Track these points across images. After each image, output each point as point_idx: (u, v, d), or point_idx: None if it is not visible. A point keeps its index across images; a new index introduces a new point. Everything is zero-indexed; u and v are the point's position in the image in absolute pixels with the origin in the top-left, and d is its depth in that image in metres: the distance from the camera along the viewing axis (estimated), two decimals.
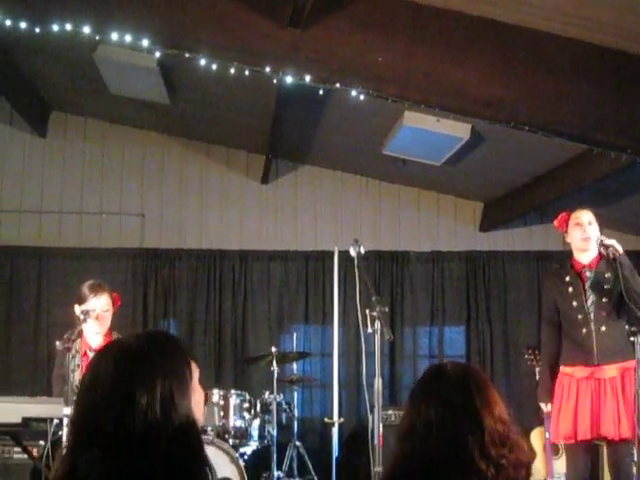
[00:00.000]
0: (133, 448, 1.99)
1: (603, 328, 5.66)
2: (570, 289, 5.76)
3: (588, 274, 5.76)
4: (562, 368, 5.79)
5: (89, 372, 2.15)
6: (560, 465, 6.58)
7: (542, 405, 5.85)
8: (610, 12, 5.44)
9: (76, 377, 5.72)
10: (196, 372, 2.23)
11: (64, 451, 2.16)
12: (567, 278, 5.81)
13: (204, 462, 2.11)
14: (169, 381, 2.08)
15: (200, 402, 2.24)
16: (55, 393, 5.86)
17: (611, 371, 5.63)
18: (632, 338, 5.27)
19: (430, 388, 2.39)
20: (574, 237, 5.81)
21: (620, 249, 5.53)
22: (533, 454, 6.72)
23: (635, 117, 6.11)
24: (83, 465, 2.00)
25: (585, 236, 5.70)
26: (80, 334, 5.81)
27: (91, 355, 5.91)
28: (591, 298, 5.71)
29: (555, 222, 6.00)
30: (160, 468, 1.99)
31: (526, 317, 9.76)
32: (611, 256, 5.53)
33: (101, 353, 2.20)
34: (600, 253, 5.68)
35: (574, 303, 5.72)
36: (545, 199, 8.83)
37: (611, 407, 5.53)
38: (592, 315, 5.67)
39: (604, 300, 5.68)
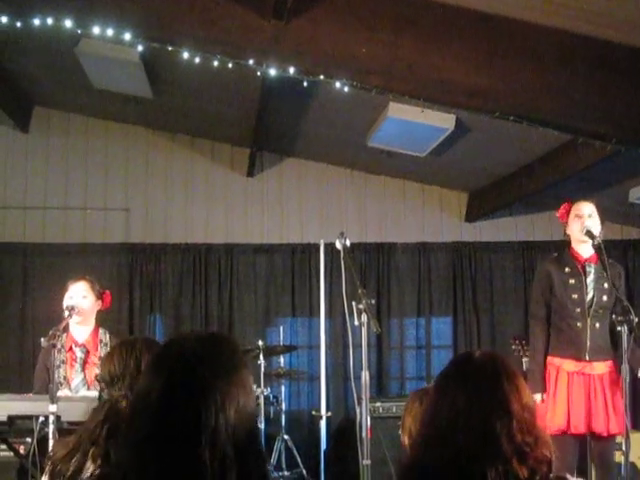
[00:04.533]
0: (227, 467, 1.95)
1: (597, 325, 5.66)
2: (571, 280, 5.73)
3: (588, 269, 5.76)
4: (548, 358, 5.78)
5: (154, 379, 2.06)
6: None
7: (537, 396, 5.74)
8: (595, 1, 5.43)
9: (61, 373, 5.70)
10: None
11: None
12: (567, 269, 5.78)
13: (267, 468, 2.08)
14: (245, 392, 2.05)
15: None
16: (36, 388, 5.83)
17: (600, 368, 5.64)
18: (619, 328, 5.27)
19: (458, 374, 2.40)
20: (573, 229, 5.79)
21: None
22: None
23: (620, 106, 6.11)
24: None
25: (582, 228, 5.69)
26: (65, 329, 5.79)
27: (76, 350, 5.90)
28: (591, 293, 5.70)
29: (557, 212, 5.98)
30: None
31: (512, 307, 9.81)
32: (595, 243, 5.55)
33: (166, 362, 2.11)
34: (594, 249, 5.68)
35: (574, 296, 5.70)
36: (530, 189, 8.83)
37: (601, 403, 5.54)
38: (590, 310, 5.66)
39: (604, 298, 5.69)
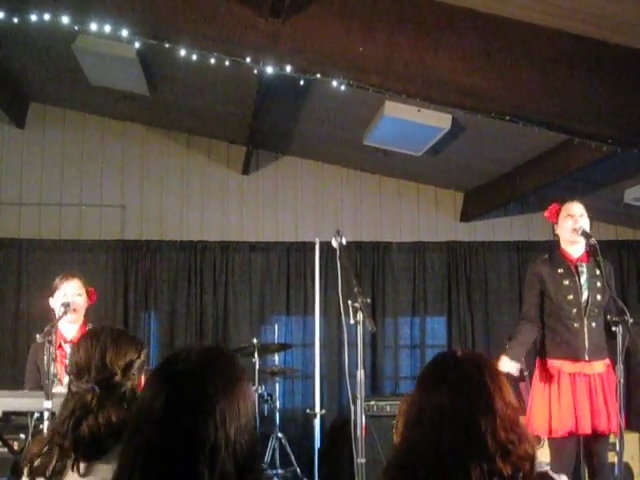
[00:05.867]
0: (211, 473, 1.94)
1: (594, 324, 5.66)
2: (566, 282, 5.72)
3: (581, 269, 5.76)
4: (548, 361, 5.75)
5: (157, 391, 2.06)
6: (541, 455, 6.59)
7: (512, 364, 5.78)
8: (591, 2, 5.45)
9: (51, 370, 5.69)
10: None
11: None
12: (560, 270, 5.78)
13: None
14: (245, 403, 2.05)
15: None
16: (28, 386, 5.84)
17: (599, 366, 5.65)
18: (613, 328, 5.28)
19: (442, 373, 2.40)
20: (564, 228, 5.78)
21: None
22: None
23: (616, 106, 6.12)
24: None
25: (576, 227, 5.68)
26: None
27: (66, 347, 5.89)
28: (586, 293, 5.70)
29: (546, 212, 5.98)
30: None
31: (507, 307, 9.82)
32: (592, 243, 5.54)
33: (169, 373, 2.12)
34: (587, 247, 5.67)
35: (570, 297, 5.69)
36: (525, 189, 8.84)
37: (602, 402, 5.55)
38: (587, 310, 5.66)
39: (598, 297, 5.69)
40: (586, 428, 5.52)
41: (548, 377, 5.72)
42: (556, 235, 5.93)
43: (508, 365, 5.76)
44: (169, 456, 1.95)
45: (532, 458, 2.28)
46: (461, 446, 2.21)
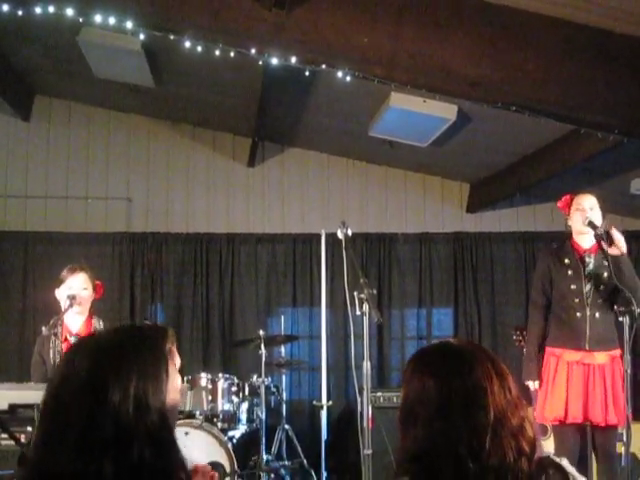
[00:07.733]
0: (104, 449, 1.98)
1: (597, 315, 5.69)
2: (569, 272, 5.78)
3: (588, 259, 5.78)
4: (549, 349, 5.81)
5: (62, 367, 2.13)
6: (548, 445, 6.60)
7: (530, 383, 5.84)
8: None
9: (56, 362, 5.71)
10: (176, 361, 2.21)
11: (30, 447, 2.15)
12: (566, 260, 5.83)
13: (176, 463, 2.09)
14: (144, 379, 2.06)
15: (177, 389, 2.21)
16: (34, 379, 5.85)
17: (601, 358, 5.67)
18: (620, 318, 5.30)
19: (455, 361, 2.39)
20: (575, 220, 5.82)
21: (623, 247, 5.58)
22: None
23: (622, 97, 6.10)
24: (53, 465, 1.99)
25: (584, 219, 5.71)
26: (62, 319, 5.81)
27: (71, 339, 5.91)
28: (590, 284, 5.73)
29: (558, 203, 6.02)
30: (130, 470, 1.98)
31: (513, 298, 9.80)
32: (599, 233, 5.55)
33: (75, 347, 2.17)
34: (597, 239, 5.68)
35: (572, 286, 5.74)
36: (532, 180, 8.83)
37: (600, 393, 5.58)
38: (589, 300, 5.69)
39: (602, 288, 5.71)
40: (577, 417, 5.55)
41: (547, 363, 5.76)
42: (568, 226, 5.95)
43: (532, 385, 5.87)
44: (58, 425, 2.03)
45: (534, 442, 2.30)
46: (493, 427, 2.21)
